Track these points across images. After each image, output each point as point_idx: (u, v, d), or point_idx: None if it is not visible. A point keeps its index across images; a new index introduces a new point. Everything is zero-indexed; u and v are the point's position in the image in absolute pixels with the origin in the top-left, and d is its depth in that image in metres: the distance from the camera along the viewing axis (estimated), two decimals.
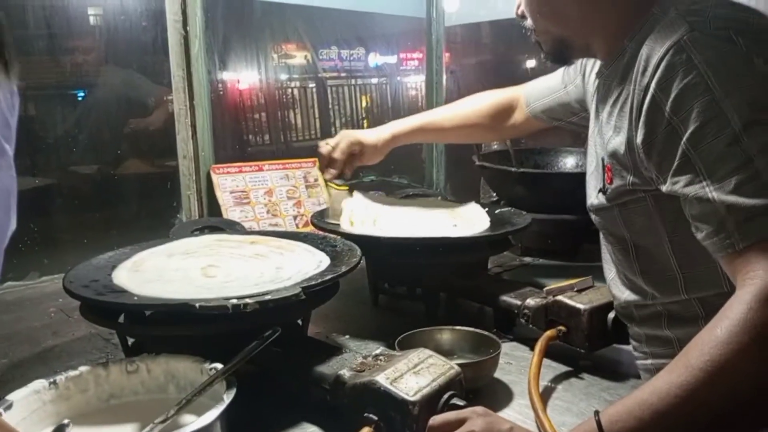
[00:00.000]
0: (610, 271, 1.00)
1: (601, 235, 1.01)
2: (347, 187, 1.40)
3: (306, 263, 1.05)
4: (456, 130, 1.42)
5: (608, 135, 0.89)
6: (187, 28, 1.70)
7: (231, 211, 1.73)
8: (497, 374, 0.97)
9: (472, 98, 1.44)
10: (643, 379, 0.95)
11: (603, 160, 0.91)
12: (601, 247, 1.02)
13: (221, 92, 1.97)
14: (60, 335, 1.20)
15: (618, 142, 0.86)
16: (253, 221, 1.75)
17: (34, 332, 1.21)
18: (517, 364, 1.04)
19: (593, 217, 0.98)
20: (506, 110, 1.37)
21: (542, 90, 1.29)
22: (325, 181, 1.42)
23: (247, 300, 0.81)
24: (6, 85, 0.33)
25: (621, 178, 0.87)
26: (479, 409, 0.74)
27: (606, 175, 0.90)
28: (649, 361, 0.95)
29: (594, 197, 0.95)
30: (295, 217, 1.84)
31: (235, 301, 0.81)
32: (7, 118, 0.33)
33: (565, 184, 1.65)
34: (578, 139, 2.05)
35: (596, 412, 0.69)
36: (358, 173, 2.40)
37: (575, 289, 1.05)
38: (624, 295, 0.96)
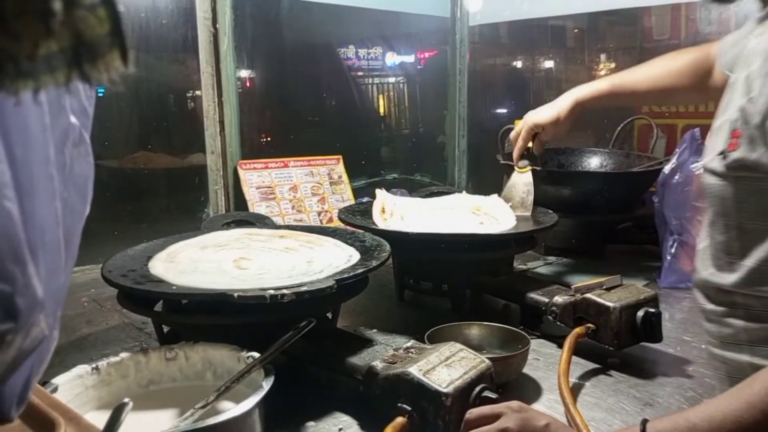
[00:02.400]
0: (704, 240, 0.89)
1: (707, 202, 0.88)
2: (528, 168, 1.52)
3: (336, 257, 1.07)
4: (652, 93, 1.31)
5: (754, 94, 0.76)
6: (217, 25, 1.73)
7: (257, 206, 1.75)
8: (525, 370, 0.98)
9: (665, 58, 1.29)
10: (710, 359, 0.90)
11: (734, 122, 0.79)
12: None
13: (248, 89, 1.99)
14: (94, 324, 1.23)
15: (763, 106, 0.74)
16: (279, 216, 1.77)
17: (68, 321, 1.24)
18: (544, 360, 1.05)
19: (705, 176, 0.86)
20: (705, 68, 1.18)
21: (732, 41, 1.05)
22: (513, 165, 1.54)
23: (284, 291, 0.83)
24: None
25: (750, 149, 0.76)
26: (514, 404, 0.74)
27: (731, 140, 0.79)
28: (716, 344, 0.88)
29: (711, 157, 0.83)
30: (319, 213, 1.86)
31: (272, 291, 0.83)
32: (86, 106, 0.35)
33: (590, 184, 1.65)
34: (602, 140, 2.05)
35: (643, 421, 0.67)
36: (380, 171, 2.42)
37: (604, 287, 1.05)
38: (707, 272, 0.87)
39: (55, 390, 0.74)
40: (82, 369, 0.79)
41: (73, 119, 0.34)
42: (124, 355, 0.83)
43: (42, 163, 0.31)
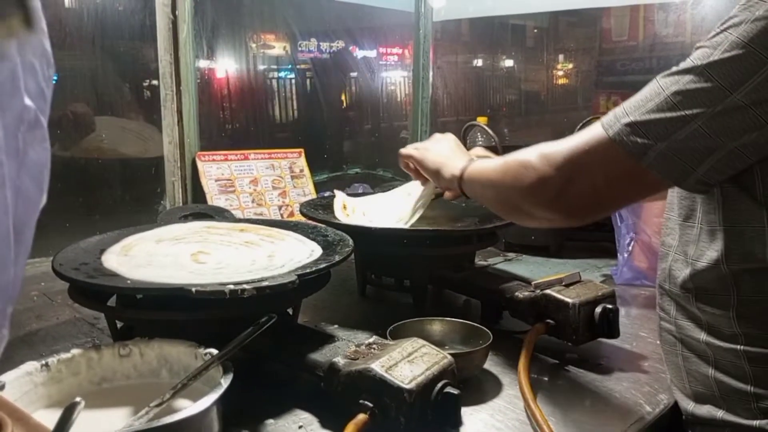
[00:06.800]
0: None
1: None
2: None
3: (298, 252, 1.05)
4: None
5: None
6: (176, 12, 1.69)
7: (216, 199, 1.72)
8: (486, 365, 0.98)
9: None
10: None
11: None
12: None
13: (207, 79, 1.95)
14: (44, 319, 1.19)
15: None
16: (238, 210, 1.74)
17: (17, 316, 1.19)
18: (505, 355, 1.05)
19: None
20: None
21: None
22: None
23: (245, 285, 0.81)
24: (44, 56, 0.33)
25: None
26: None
27: None
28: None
29: None
30: (280, 207, 1.83)
31: (232, 286, 0.81)
32: (44, 89, 0.33)
33: None
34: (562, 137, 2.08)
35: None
36: (342, 165, 2.40)
37: (563, 284, 1.07)
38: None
39: (1, 388, 0.71)
40: (30, 366, 0.75)
41: (28, 102, 0.32)
42: (75, 351, 0.80)
43: None
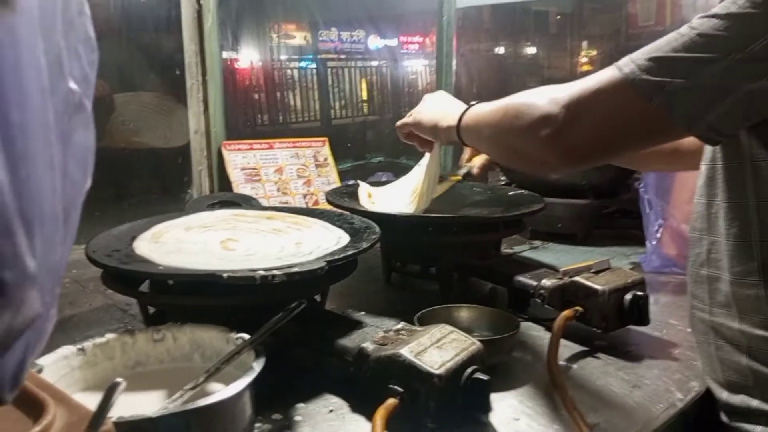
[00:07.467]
0: None
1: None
2: (454, 178, 1.38)
3: (325, 239, 1.06)
4: None
5: None
6: (201, 2, 1.69)
7: (242, 188, 1.73)
8: (513, 352, 0.98)
9: None
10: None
11: None
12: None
13: (232, 68, 1.96)
14: (77, 305, 1.21)
15: None
16: (264, 198, 1.75)
17: None
18: (532, 342, 1.05)
19: None
20: None
21: None
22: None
23: (275, 272, 0.82)
24: (87, 40, 0.33)
25: None
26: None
27: None
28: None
29: None
30: (304, 196, 1.84)
31: (262, 272, 0.81)
32: (87, 73, 0.33)
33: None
34: None
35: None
36: (365, 154, 2.40)
37: (592, 271, 1.06)
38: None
39: (40, 371, 0.72)
40: (67, 350, 0.77)
41: (73, 85, 0.32)
42: (110, 335, 0.81)
43: (40, 128, 0.29)
